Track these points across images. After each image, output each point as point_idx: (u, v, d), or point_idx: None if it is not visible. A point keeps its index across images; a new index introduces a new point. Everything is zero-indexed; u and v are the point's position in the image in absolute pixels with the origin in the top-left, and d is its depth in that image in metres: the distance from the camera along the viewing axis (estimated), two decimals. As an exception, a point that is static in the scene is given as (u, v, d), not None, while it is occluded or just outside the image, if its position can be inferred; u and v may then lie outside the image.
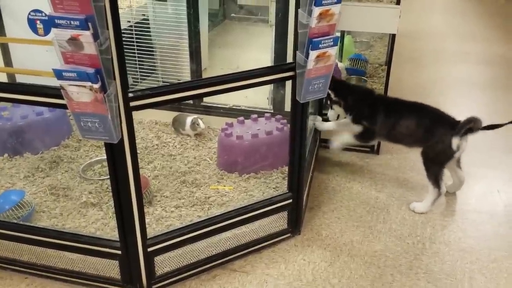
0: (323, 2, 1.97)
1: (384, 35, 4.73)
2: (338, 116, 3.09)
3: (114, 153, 1.93)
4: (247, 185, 2.87)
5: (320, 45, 2.06)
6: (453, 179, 3.00)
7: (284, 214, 2.56)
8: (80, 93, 1.71)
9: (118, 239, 2.14)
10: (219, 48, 4.61)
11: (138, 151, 1.98)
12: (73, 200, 2.70)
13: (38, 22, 3.20)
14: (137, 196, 2.03)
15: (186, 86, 2.11)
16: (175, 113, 3.42)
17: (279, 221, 2.56)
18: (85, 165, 3.01)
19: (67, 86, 1.70)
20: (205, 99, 3.46)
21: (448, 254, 2.54)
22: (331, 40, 2.08)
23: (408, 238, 2.65)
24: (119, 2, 1.70)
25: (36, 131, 3.09)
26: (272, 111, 3.35)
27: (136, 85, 3.62)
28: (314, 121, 3.16)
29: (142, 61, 3.62)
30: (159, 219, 2.55)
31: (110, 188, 2.14)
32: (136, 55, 3.57)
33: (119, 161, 1.94)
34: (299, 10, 2.03)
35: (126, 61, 1.82)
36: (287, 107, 3.12)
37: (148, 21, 3.63)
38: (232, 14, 5.49)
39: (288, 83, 2.34)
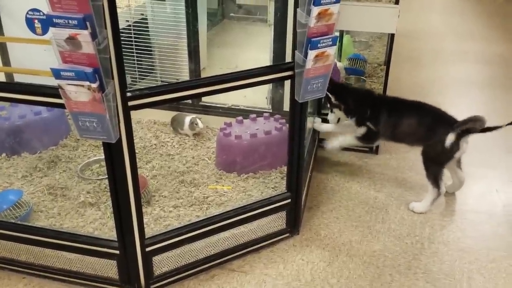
0: (322, 1, 1.96)
1: (383, 35, 4.73)
2: (338, 119, 3.09)
3: (112, 152, 1.93)
4: (245, 185, 2.86)
5: (318, 45, 2.06)
6: (453, 180, 2.99)
7: (283, 214, 2.55)
8: (78, 93, 1.70)
9: (116, 239, 2.14)
10: (218, 48, 4.60)
11: (136, 151, 1.98)
12: (71, 199, 2.69)
13: (36, 21, 3.19)
14: (135, 196, 2.03)
15: (185, 85, 2.11)
16: (173, 113, 3.41)
17: (277, 221, 2.56)
18: (83, 164, 3.00)
19: (65, 86, 1.70)
20: (204, 99, 3.46)
21: (447, 254, 2.54)
22: (330, 39, 2.08)
23: (407, 238, 2.65)
24: (117, 2, 1.70)
25: (34, 131, 3.09)
26: (271, 110, 3.35)
27: (134, 84, 3.61)
28: (314, 123, 3.17)
29: (141, 60, 3.61)
30: (158, 219, 2.54)
31: (108, 187, 2.14)
32: (134, 54, 3.56)
33: (117, 160, 1.94)
34: (298, 10, 2.02)
35: (125, 60, 1.81)
36: (286, 106, 3.11)
37: (146, 21, 3.62)
38: (231, 14, 5.49)
39: (287, 83, 2.34)
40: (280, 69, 2.23)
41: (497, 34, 6.41)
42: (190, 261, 2.34)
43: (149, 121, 3.55)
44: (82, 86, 1.68)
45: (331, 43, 2.09)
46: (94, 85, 1.68)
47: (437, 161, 2.76)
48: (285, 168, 2.67)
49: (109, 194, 2.09)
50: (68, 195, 2.73)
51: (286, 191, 2.55)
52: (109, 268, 2.23)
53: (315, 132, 3.21)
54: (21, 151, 3.08)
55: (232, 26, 5.41)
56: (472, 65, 5.30)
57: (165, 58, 3.61)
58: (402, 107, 2.91)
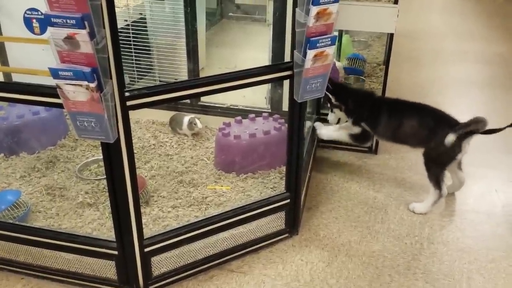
0: (320, 1, 1.96)
1: (382, 35, 4.72)
2: (339, 120, 3.09)
3: (111, 152, 1.92)
4: (244, 185, 2.86)
5: (317, 44, 2.05)
6: (453, 180, 2.99)
7: (282, 214, 2.55)
8: (76, 92, 1.70)
9: (114, 240, 2.13)
10: (217, 47, 4.59)
11: (134, 151, 1.97)
12: (69, 200, 2.68)
13: (34, 20, 3.19)
14: (133, 196, 2.02)
15: (183, 85, 2.10)
16: (172, 113, 3.41)
17: (276, 221, 2.55)
18: (81, 165, 2.99)
19: (63, 85, 1.69)
20: (203, 99, 3.45)
21: (446, 254, 2.54)
22: (329, 39, 2.08)
23: (406, 238, 2.64)
24: (116, 1, 1.70)
25: (33, 131, 3.08)
26: (269, 110, 3.34)
27: (133, 84, 3.61)
28: (315, 125, 3.17)
29: (139, 60, 3.61)
30: (156, 219, 2.54)
31: (106, 188, 2.13)
32: (133, 54, 3.55)
33: (116, 161, 1.93)
34: (297, 9, 2.01)
35: (123, 60, 1.81)
36: (285, 106, 3.11)
37: (145, 20, 3.62)
38: (230, 13, 5.48)
39: (286, 83, 2.33)
40: (279, 68, 2.22)
41: (497, 34, 6.41)
42: (189, 262, 2.33)
43: (147, 121, 3.54)
44: (80, 85, 1.67)
45: (330, 42, 2.09)
46: (92, 85, 1.67)
47: (438, 163, 2.75)
48: (284, 168, 2.66)
49: (107, 194, 2.09)
50: (66, 195, 2.72)
51: (285, 191, 2.54)
52: (107, 269, 2.22)
53: (314, 132, 3.21)
54: (19, 151, 3.07)
55: (231, 25, 5.41)
56: (472, 65, 5.29)
57: (163, 58, 3.60)
58: (403, 109, 2.90)
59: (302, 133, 2.41)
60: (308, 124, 3.05)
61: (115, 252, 2.16)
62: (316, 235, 2.66)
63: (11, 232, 2.25)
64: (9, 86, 2.22)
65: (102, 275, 2.24)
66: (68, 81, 1.68)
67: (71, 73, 1.65)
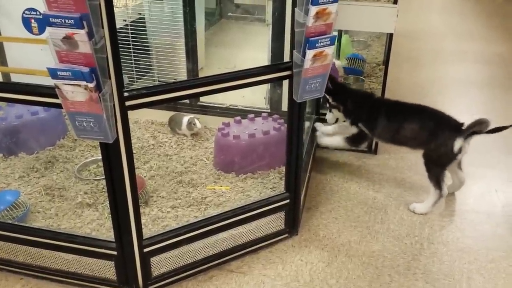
0: (320, 1, 1.96)
1: (381, 35, 4.72)
2: (337, 120, 3.08)
3: (110, 153, 1.92)
4: (244, 185, 2.85)
5: (317, 44, 2.05)
6: (453, 180, 2.98)
7: (281, 214, 2.54)
8: (75, 92, 1.69)
9: (113, 240, 2.13)
10: (216, 47, 4.59)
11: (134, 151, 1.97)
12: (68, 200, 2.68)
13: (32, 20, 3.18)
14: (133, 197, 2.02)
15: (183, 85, 2.09)
16: (171, 113, 3.40)
17: (276, 222, 2.55)
18: (80, 165, 2.99)
19: (61, 85, 1.69)
20: (202, 99, 3.45)
21: (446, 254, 2.54)
22: (328, 39, 2.07)
23: (406, 239, 2.64)
24: (114, 1, 1.69)
25: (31, 131, 3.07)
26: (269, 110, 3.34)
27: (132, 84, 3.60)
28: (315, 126, 3.17)
29: (138, 60, 3.60)
30: (155, 219, 2.53)
31: (105, 188, 2.12)
32: (132, 54, 3.55)
33: (115, 161, 1.93)
34: (296, 9, 2.01)
35: (122, 60, 1.81)
36: (284, 106, 3.11)
37: (144, 20, 3.61)
38: (229, 13, 5.48)
39: (285, 83, 2.33)
40: (278, 68, 2.22)
41: (496, 34, 6.41)
42: (188, 262, 2.33)
43: (146, 121, 3.53)
44: (79, 86, 1.67)
45: (329, 42, 2.08)
46: (91, 85, 1.67)
47: (439, 163, 2.75)
48: (283, 168, 2.66)
49: (106, 194, 2.08)
50: (65, 195, 2.72)
51: (284, 191, 2.54)
52: (107, 269, 2.21)
53: (313, 132, 3.21)
54: (18, 151, 3.07)
55: (230, 25, 5.41)
56: (471, 65, 5.29)
57: (162, 58, 3.60)
58: (403, 111, 2.89)
59: (302, 133, 2.41)
60: (307, 124, 3.05)
61: (114, 253, 2.15)
62: (316, 235, 2.65)
63: (10, 233, 2.24)
64: (8, 86, 2.21)
65: (101, 276, 2.24)
66: (66, 81, 1.67)
67: (70, 73, 1.65)
